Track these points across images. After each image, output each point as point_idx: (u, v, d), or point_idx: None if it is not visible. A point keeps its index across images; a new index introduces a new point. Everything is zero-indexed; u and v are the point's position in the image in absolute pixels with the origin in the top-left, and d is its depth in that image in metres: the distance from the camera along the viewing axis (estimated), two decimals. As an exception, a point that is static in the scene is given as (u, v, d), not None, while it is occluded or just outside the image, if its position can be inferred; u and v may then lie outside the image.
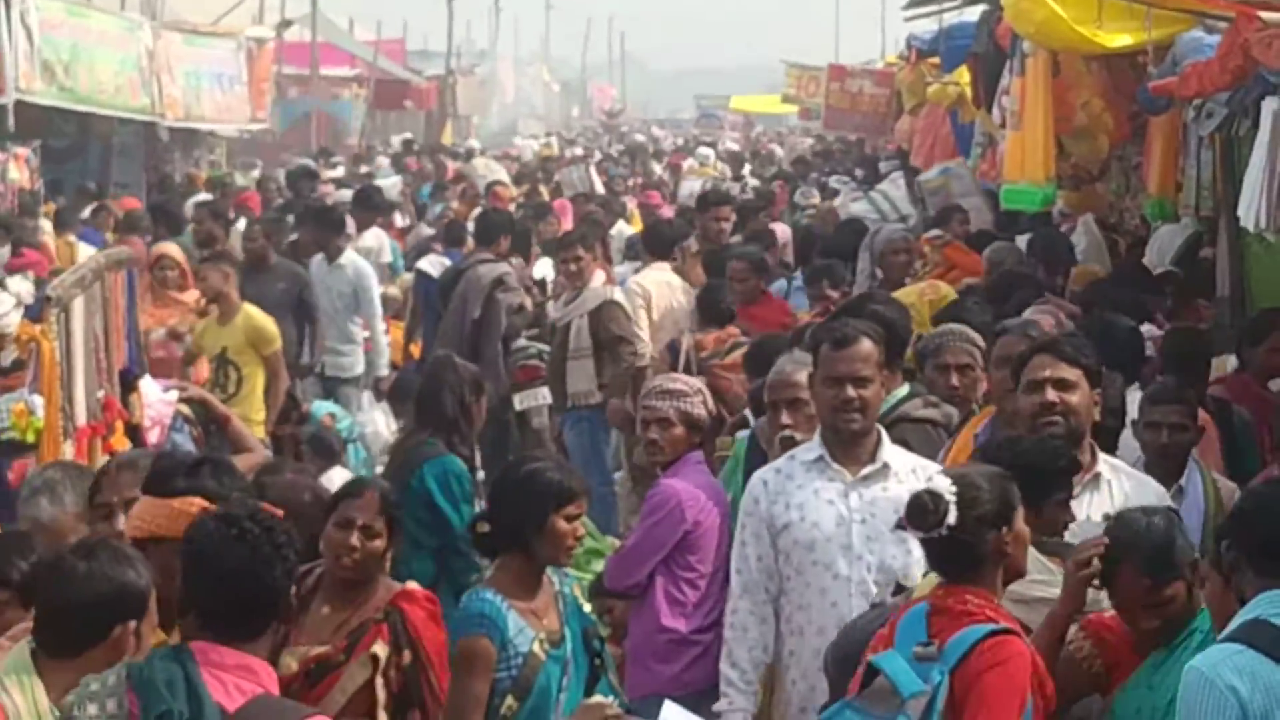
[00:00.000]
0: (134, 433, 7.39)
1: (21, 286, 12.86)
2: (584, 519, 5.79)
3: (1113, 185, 13.45)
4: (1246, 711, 4.21)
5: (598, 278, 11.74)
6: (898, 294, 9.74)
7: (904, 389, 7.24)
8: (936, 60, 17.11)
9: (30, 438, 6.85)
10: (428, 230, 18.84)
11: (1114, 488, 5.83)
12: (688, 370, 9.81)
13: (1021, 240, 12.29)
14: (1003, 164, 11.98)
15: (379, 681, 5.47)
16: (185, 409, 7.80)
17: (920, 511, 4.81)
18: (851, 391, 6.00)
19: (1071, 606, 5.02)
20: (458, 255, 14.21)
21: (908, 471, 6.05)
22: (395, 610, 5.57)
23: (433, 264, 14.27)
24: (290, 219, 16.44)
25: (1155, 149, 11.26)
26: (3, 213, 17.55)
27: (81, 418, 6.93)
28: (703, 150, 33.11)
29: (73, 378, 6.90)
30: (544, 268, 14.37)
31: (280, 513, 4.52)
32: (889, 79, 23.75)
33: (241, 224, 16.06)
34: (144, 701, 3.95)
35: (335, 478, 9.51)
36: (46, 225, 17.21)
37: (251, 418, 10.41)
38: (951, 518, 4.76)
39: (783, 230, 16.13)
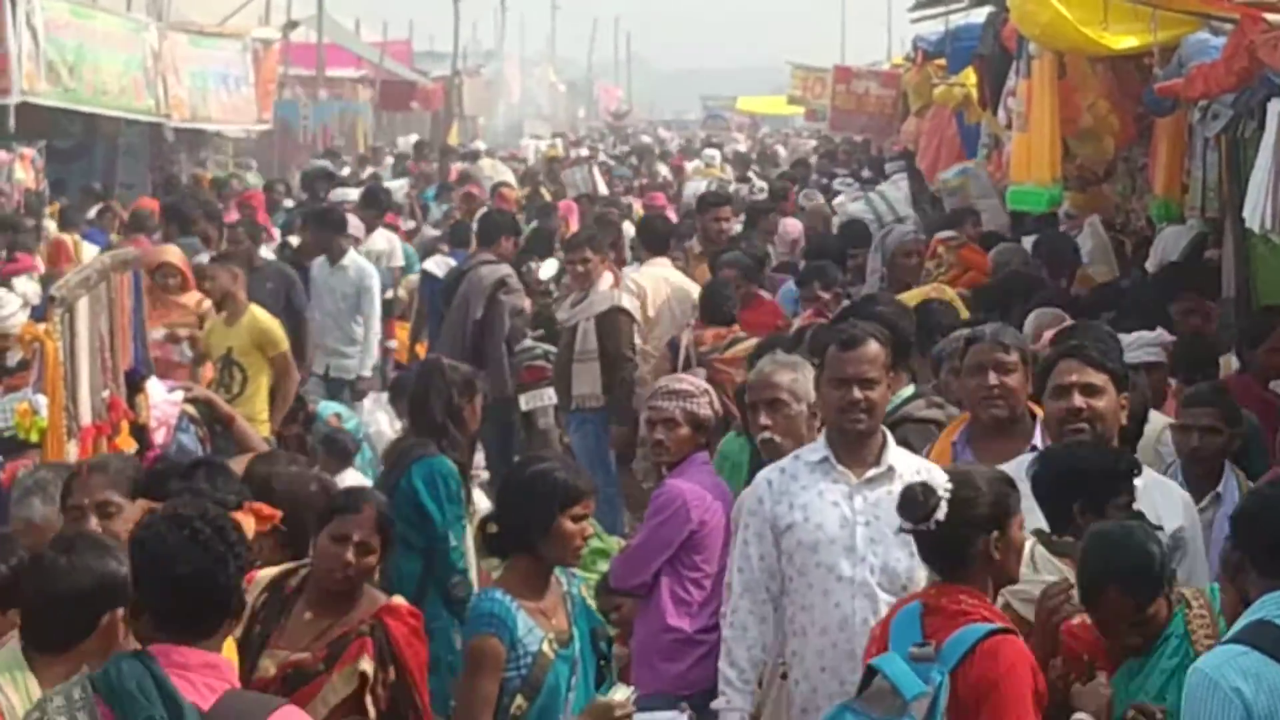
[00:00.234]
0: (140, 433, 7.39)
1: (27, 287, 12.89)
2: (591, 519, 5.79)
3: (1118, 187, 13.41)
4: (1251, 713, 4.20)
5: (605, 280, 11.70)
6: (903, 296, 9.74)
7: (909, 389, 7.23)
8: (943, 62, 17.13)
9: (34, 437, 6.85)
10: (433, 231, 18.84)
11: (1140, 494, 5.80)
12: (687, 365, 9.82)
13: (1027, 242, 12.29)
14: (1008, 165, 11.97)
15: (368, 700, 5.44)
16: (191, 409, 7.80)
17: (910, 502, 4.83)
18: (858, 393, 5.99)
19: (1044, 652, 4.97)
20: (463, 256, 14.19)
21: (912, 474, 6.00)
22: (379, 624, 5.54)
23: (438, 265, 14.28)
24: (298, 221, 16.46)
25: (1161, 150, 11.24)
26: (7, 213, 17.57)
27: (86, 418, 6.93)
28: (709, 151, 33.11)
29: (77, 378, 6.89)
30: (549, 268, 14.36)
31: (236, 512, 4.49)
32: (895, 80, 23.75)
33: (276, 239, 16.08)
34: (120, 711, 3.85)
35: (345, 478, 9.49)
36: (52, 226, 17.22)
37: (255, 418, 10.39)
38: (941, 513, 4.76)
39: (795, 226, 16.13)
